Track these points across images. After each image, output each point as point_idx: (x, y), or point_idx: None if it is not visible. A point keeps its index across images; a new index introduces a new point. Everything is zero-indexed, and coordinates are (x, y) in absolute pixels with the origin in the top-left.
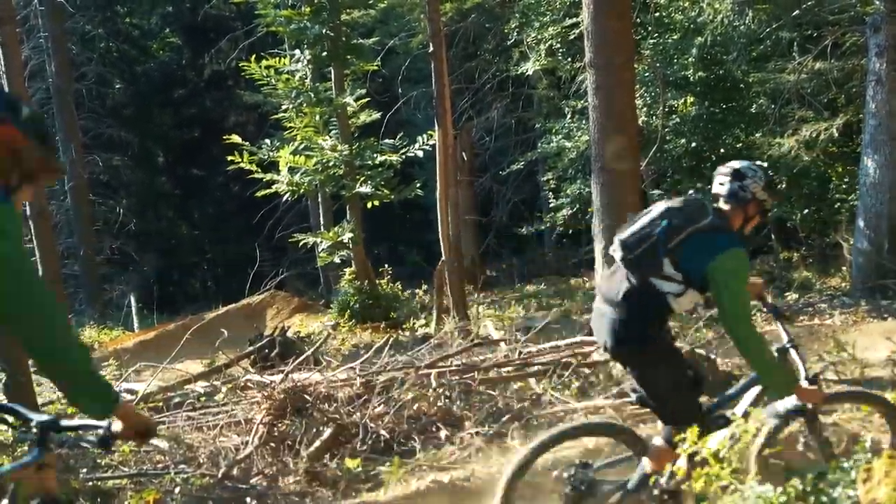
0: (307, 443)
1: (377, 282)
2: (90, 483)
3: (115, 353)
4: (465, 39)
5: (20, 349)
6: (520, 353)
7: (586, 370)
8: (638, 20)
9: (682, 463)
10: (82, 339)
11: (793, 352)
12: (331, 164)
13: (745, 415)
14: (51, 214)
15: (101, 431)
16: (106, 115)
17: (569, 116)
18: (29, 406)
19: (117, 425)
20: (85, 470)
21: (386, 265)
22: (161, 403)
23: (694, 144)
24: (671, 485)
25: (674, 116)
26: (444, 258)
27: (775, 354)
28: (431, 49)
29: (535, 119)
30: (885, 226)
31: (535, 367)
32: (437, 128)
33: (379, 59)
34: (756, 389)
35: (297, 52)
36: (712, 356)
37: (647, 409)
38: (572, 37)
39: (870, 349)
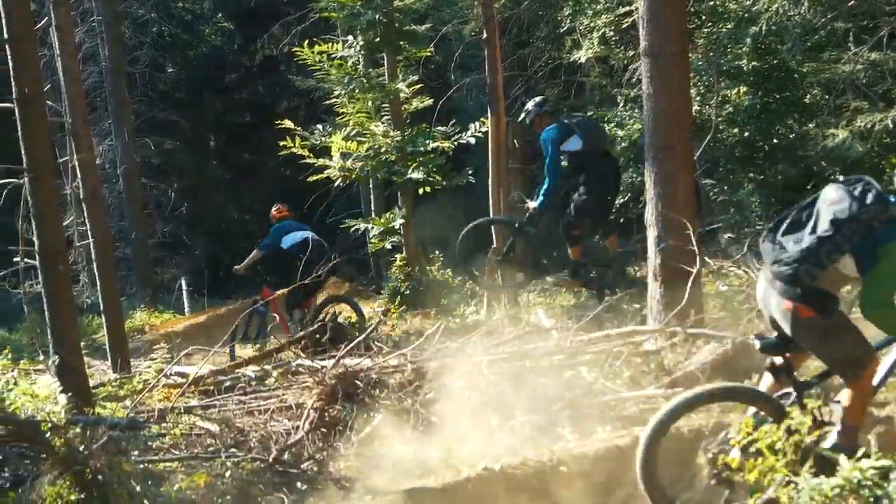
0: (358, 428)
1: (428, 268)
2: (142, 466)
3: (165, 336)
4: (518, 27)
5: (74, 330)
6: (571, 341)
7: (638, 359)
8: (692, 9)
9: (735, 454)
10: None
11: None
12: (382, 150)
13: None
14: (103, 198)
15: None
16: (158, 99)
17: (621, 105)
18: (80, 389)
19: None
20: (136, 453)
21: (437, 251)
22: (212, 387)
23: (747, 134)
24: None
25: (727, 106)
26: (494, 245)
27: None
28: (485, 36)
29: (588, 107)
30: None
31: (587, 356)
32: (489, 115)
33: (432, 45)
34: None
35: (350, 37)
36: None
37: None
38: (625, 25)
39: None
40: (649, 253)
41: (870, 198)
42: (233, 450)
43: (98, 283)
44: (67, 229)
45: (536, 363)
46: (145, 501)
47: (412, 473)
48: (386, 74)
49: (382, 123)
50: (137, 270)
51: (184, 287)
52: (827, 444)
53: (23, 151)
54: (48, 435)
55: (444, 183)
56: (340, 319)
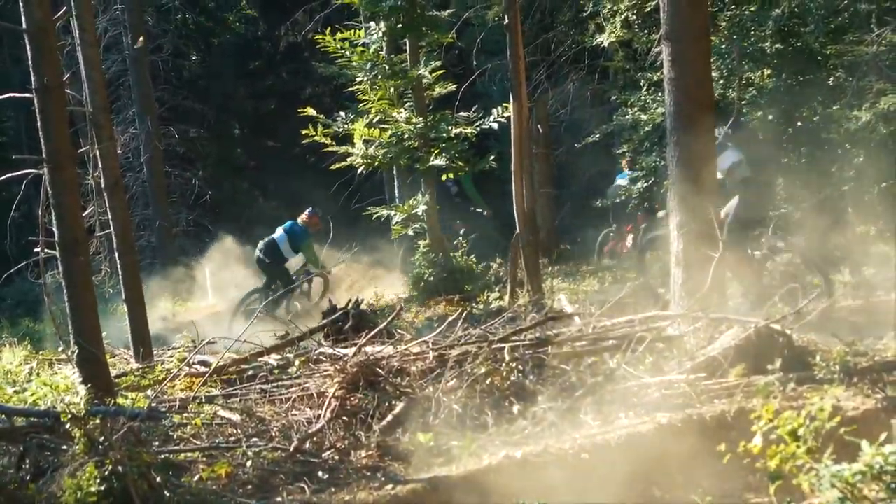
0: (379, 416)
1: (451, 254)
2: (162, 456)
3: (189, 324)
4: (540, 11)
5: (94, 320)
6: (593, 327)
7: (660, 345)
8: None
9: (757, 441)
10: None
11: None
12: (405, 136)
13: None
14: (126, 186)
15: None
16: (182, 87)
17: (644, 89)
18: (101, 379)
19: None
20: (157, 443)
21: (461, 237)
22: (234, 376)
23: (770, 117)
24: None
25: (750, 89)
26: (518, 231)
27: None
28: (507, 21)
29: (611, 91)
30: None
31: (609, 342)
32: (512, 100)
33: (454, 31)
34: None
35: (372, 24)
36: (788, 332)
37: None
38: (648, 9)
39: None
40: (672, 238)
41: None
42: (254, 439)
43: (120, 273)
44: (89, 219)
45: (559, 349)
46: (166, 492)
47: (434, 462)
48: (408, 61)
49: (405, 110)
50: (161, 258)
51: (207, 275)
52: None
53: (42, 141)
54: (68, 426)
55: (468, 169)
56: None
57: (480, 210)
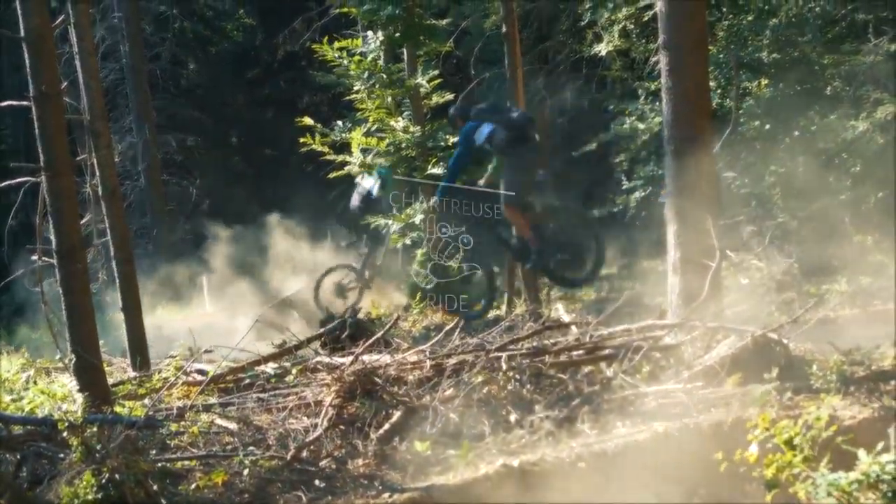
0: (376, 425)
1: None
2: (159, 464)
3: (186, 332)
4: (538, 20)
5: (91, 329)
6: (591, 336)
7: (657, 354)
8: (712, 1)
9: (753, 449)
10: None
11: None
12: (403, 145)
13: None
14: (124, 194)
15: None
16: (179, 96)
17: (642, 98)
18: (98, 387)
19: None
20: (154, 451)
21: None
22: (231, 384)
23: (768, 127)
24: None
25: (748, 98)
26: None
27: None
28: (505, 30)
29: (609, 100)
30: None
31: (606, 351)
32: None
33: (452, 40)
34: None
35: (370, 33)
36: (784, 341)
37: (717, 395)
38: (646, 18)
39: None
40: (669, 246)
41: None
42: (251, 448)
43: (117, 281)
44: (86, 227)
45: (555, 358)
46: (162, 500)
47: (431, 470)
48: (406, 69)
49: (403, 119)
50: (159, 266)
51: (205, 283)
52: None
53: (40, 149)
54: (65, 434)
55: (465, 178)
56: (360, 316)
57: (394, 210)
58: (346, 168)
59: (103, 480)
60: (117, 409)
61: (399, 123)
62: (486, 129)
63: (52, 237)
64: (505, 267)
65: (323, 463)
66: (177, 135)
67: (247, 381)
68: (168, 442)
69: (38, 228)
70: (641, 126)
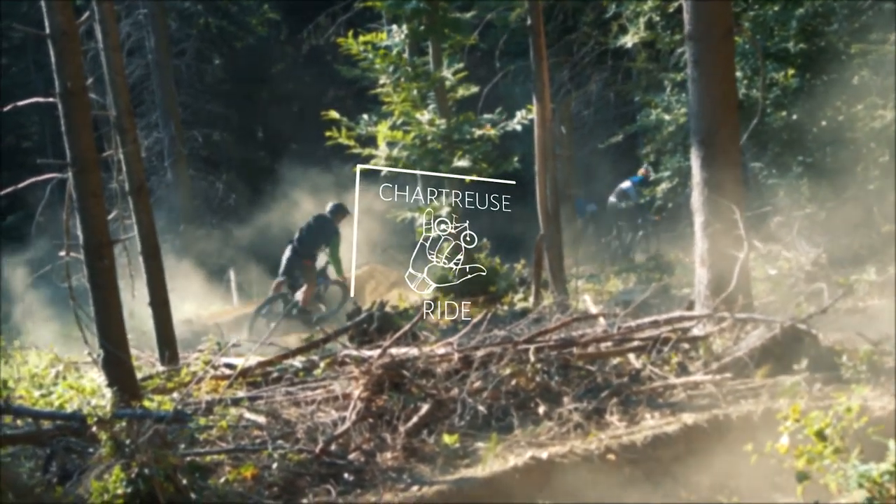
0: (405, 418)
1: (476, 255)
2: (188, 458)
3: (214, 326)
4: (563, 12)
5: (119, 324)
6: (618, 327)
7: (686, 345)
8: None
9: (784, 441)
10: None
11: None
12: (429, 138)
13: None
14: (150, 189)
15: None
16: (205, 91)
17: (668, 89)
18: (127, 382)
19: None
20: (183, 445)
21: (485, 239)
22: (260, 378)
23: (795, 117)
24: None
25: (774, 89)
26: (542, 232)
27: None
28: (530, 22)
29: (634, 92)
30: None
31: (634, 343)
32: (535, 102)
33: (477, 32)
34: None
35: (395, 26)
36: (813, 331)
37: (746, 386)
38: (672, 9)
39: None
40: (696, 238)
41: None
42: (280, 441)
43: (145, 276)
44: (113, 223)
45: (583, 350)
46: (192, 494)
47: (459, 463)
48: (431, 63)
49: (428, 112)
50: (186, 262)
51: (232, 278)
52: None
53: (66, 146)
54: (94, 429)
55: (491, 171)
56: (387, 309)
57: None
58: (373, 162)
59: (133, 475)
60: (146, 403)
61: (424, 116)
62: None
63: (80, 233)
64: (532, 260)
65: (352, 456)
66: (202, 130)
67: (275, 374)
68: (197, 436)
69: (66, 224)
70: (667, 117)
